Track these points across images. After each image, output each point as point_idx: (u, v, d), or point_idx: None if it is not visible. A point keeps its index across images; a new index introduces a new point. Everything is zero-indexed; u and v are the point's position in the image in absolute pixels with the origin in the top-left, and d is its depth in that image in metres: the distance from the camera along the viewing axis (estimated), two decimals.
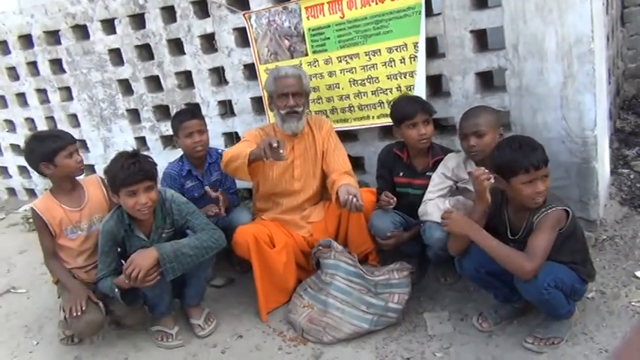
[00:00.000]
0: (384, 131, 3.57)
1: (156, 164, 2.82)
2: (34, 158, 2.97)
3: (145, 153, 4.03)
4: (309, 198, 3.31)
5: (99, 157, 4.84)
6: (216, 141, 3.91)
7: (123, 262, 2.84)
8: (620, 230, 3.17)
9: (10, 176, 5.79)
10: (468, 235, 2.43)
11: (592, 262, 2.59)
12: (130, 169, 2.66)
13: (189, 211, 2.92)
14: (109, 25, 4.34)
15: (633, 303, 2.67)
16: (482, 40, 3.17)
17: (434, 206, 2.84)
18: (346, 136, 3.58)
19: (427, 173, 3.02)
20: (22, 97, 5.23)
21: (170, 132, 4.15)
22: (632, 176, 3.57)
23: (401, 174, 3.13)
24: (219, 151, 3.58)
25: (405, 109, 2.99)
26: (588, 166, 2.92)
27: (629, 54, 5.02)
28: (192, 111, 3.63)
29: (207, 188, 3.34)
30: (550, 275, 2.28)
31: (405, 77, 3.23)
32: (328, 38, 3.40)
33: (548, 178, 2.34)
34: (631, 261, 2.96)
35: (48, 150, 2.94)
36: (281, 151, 2.77)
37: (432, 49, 3.27)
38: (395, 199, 2.98)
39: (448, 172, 2.91)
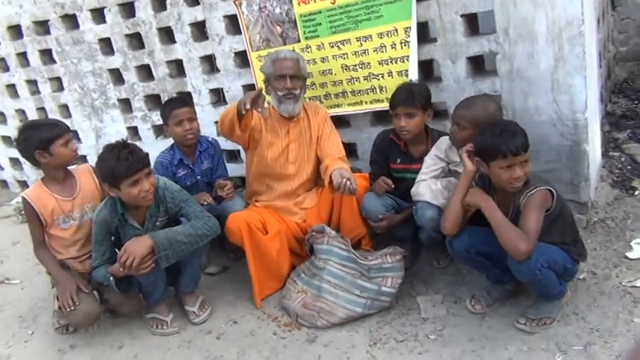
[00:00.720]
0: (377, 117, 3.57)
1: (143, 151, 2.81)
2: (28, 146, 2.95)
3: (137, 143, 4.05)
4: (302, 183, 3.32)
5: (91, 147, 4.82)
6: (208, 129, 3.90)
7: (117, 250, 2.84)
8: (611, 212, 3.19)
9: (2, 168, 5.77)
10: (481, 205, 2.44)
11: (583, 242, 2.62)
12: (129, 159, 2.64)
13: (183, 199, 2.92)
14: (98, 14, 4.31)
15: (624, 283, 2.70)
16: (473, 24, 3.17)
17: (426, 187, 2.85)
18: (339, 122, 3.57)
19: (425, 158, 3.01)
20: (12, 89, 5.19)
21: (162, 121, 4.15)
22: (622, 159, 3.60)
23: (398, 160, 3.14)
24: (210, 139, 3.57)
25: (392, 97, 3.01)
26: (579, 149, 2.93)
27: (619, 38, 5.03)
28: (182, 99, 3.62)
29: (219, 182, 3.36)
30: (543, 256, 2.30)
31: (396, 62, 3.23)
32: (320, 24, 3.39)
33: (527, 163, 2.36)
34: (622, 242, 2.98)
35: (43, 138, 2.92)
36: (259, 109, 2.83)
37: (423, 33, 3.27)
38: (392, 183, 3.00)
39: (441, 153, 2.92)
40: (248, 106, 2.80)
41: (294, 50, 3.39)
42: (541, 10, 2.79)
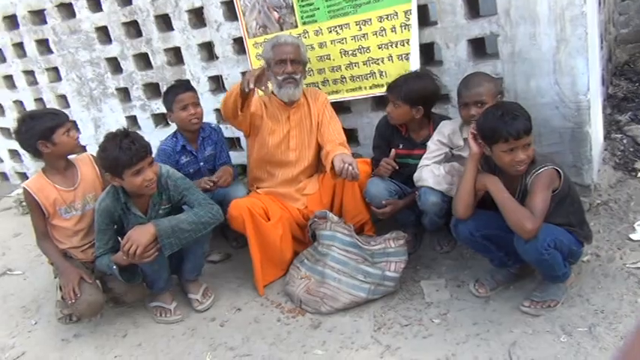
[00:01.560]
0: (377, 102, 3.54)
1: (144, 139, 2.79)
2: (30, 137, 2.92)
3: (137, 132, 4.02)
4: (304, 169, 3.31)
5: (90, 137, 4.80)
6: (208, 117, 3.87)
7: (120, 239, 2.83)
8: (614, 194, 3.18)
9: (1, 160, 5.75)
10: (487, 186, 2.44)
11: (588, 224, 2.61)
12: (131, 148, 2.61)
13: (186, 187, 2.91)
14: (94, 3, 4.27)
15: (628, 265, 2.69)
16: (473, 6, 3.14)
17: (429, 172, 2.84)
18: (339, 108, 3.55)
19: (427, 143, 2.98)
20: (9, 80, 5.16)
21: (161, 110, 4.12)
22: (625, 141, 3.58)
23: (400, 146, 3.12)
24: (213, 125, 3.56)
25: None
26: (582, 131, 2.92)
27: (620, 19, 5.00)
28: (185, 84, 3.59)
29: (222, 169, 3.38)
30: (550, 236, 2.30)
31: (396, 46, 3.20)
32: (318, 9, 3.36)
33: (530, 146, 2.35)
34: (625, 224, 2.98)
35: (46, 127, 2.90)
36: (263, 87, 2.86)
37: (424, 16, 3.24)
38: (395, 165, 3.00)
39: (444, 138, 2.90)
40: (252, 85, 2.79)
41: (293, 35, 3.35)
42: None
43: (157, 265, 2.88)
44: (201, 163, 3.45)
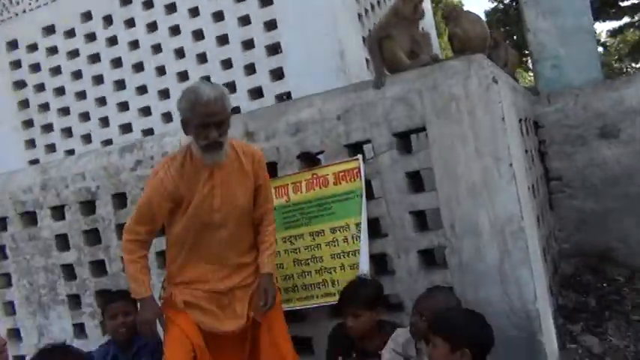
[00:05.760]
0: (332, 311, 3.52)
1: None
2: None
3: (83, 341, 3.86)
4: (233, 239, 2.93)
5: (32, 346, 4.52)
6: None
7: None
8: None
9: None
10: None
11: None
12: None
13: None
14: (58, 212, 4.36)
15: None
16: (422, 220, 3.33)
17: None
18: (293, 316, 3.50)
19: (382, 352, 2.91)
20: None
21: None
22: (580, 351, 3.58)
23: (353, 355, 3.04)
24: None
25: (340, 296, 3.08)
26: (534, 340, 2.93)
27: (560, 235, 5.32)
28: (121, 292, 3.43)
29: None
30: None
31: (347, 256, 3.29)
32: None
33: None
34: None
35: None
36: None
37: (376, 229, 3.40)
38: None
39: (398, 347, 2.85)
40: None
41: (215, 85, 2.80)
42: (482, 208, 3.00)
43: None
44: None
